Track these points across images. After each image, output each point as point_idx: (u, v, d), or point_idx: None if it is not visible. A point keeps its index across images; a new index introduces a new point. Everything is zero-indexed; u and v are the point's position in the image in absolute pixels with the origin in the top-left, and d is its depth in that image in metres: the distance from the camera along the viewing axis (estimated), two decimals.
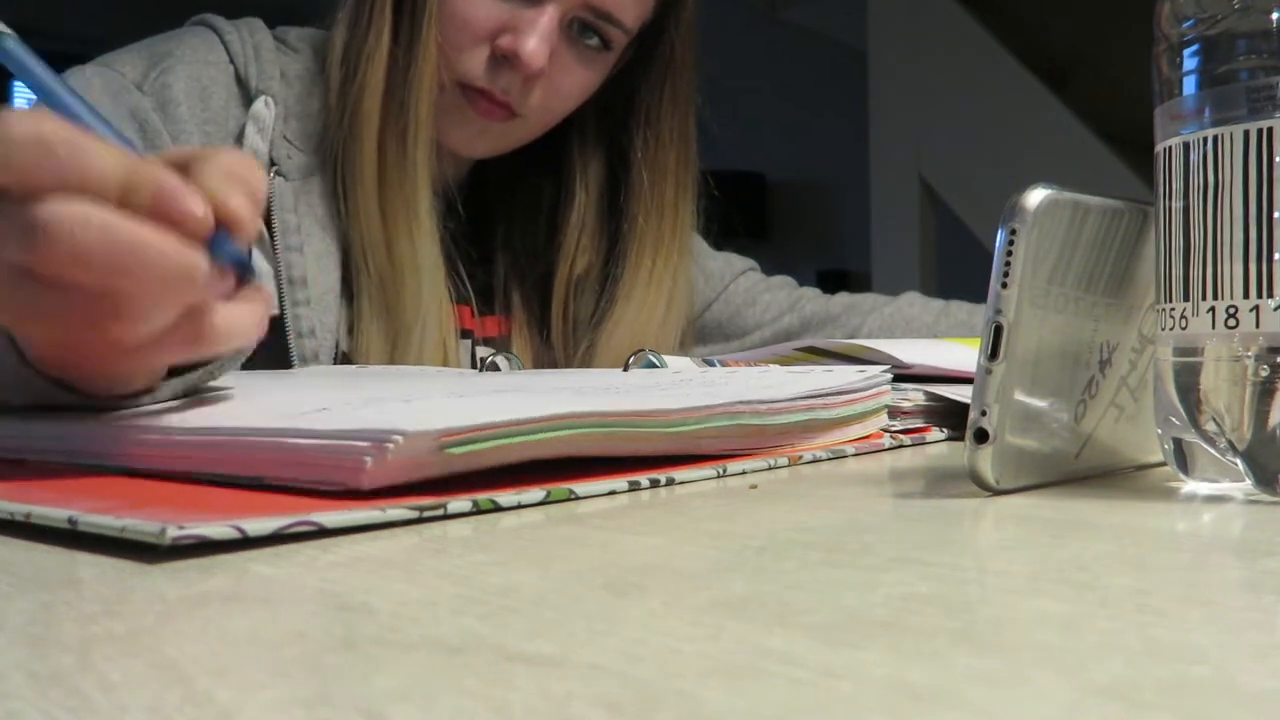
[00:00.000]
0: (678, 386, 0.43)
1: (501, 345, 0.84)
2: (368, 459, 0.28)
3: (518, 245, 0.87)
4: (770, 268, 1.06)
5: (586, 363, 0.83)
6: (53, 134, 0.31)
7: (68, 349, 0.36)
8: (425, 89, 0.72)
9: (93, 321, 0.32)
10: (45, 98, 0.40)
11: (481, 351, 0.82)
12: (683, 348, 0.96)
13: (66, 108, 0.38)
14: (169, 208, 0.31)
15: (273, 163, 0.74)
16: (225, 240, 0.33)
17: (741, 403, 0.38)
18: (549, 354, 0.85)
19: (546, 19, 0.72)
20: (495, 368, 0.65)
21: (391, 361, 0.73)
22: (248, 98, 0.75)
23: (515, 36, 0.71)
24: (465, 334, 0.82)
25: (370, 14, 0.72)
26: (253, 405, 0.39)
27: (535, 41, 0.71)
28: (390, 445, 0.28)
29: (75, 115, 0.37)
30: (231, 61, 0.76)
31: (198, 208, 0.32)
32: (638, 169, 0.83)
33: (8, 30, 0.42)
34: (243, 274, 0.34)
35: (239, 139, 0.74)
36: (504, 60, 0.73)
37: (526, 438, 0.31)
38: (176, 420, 0.33)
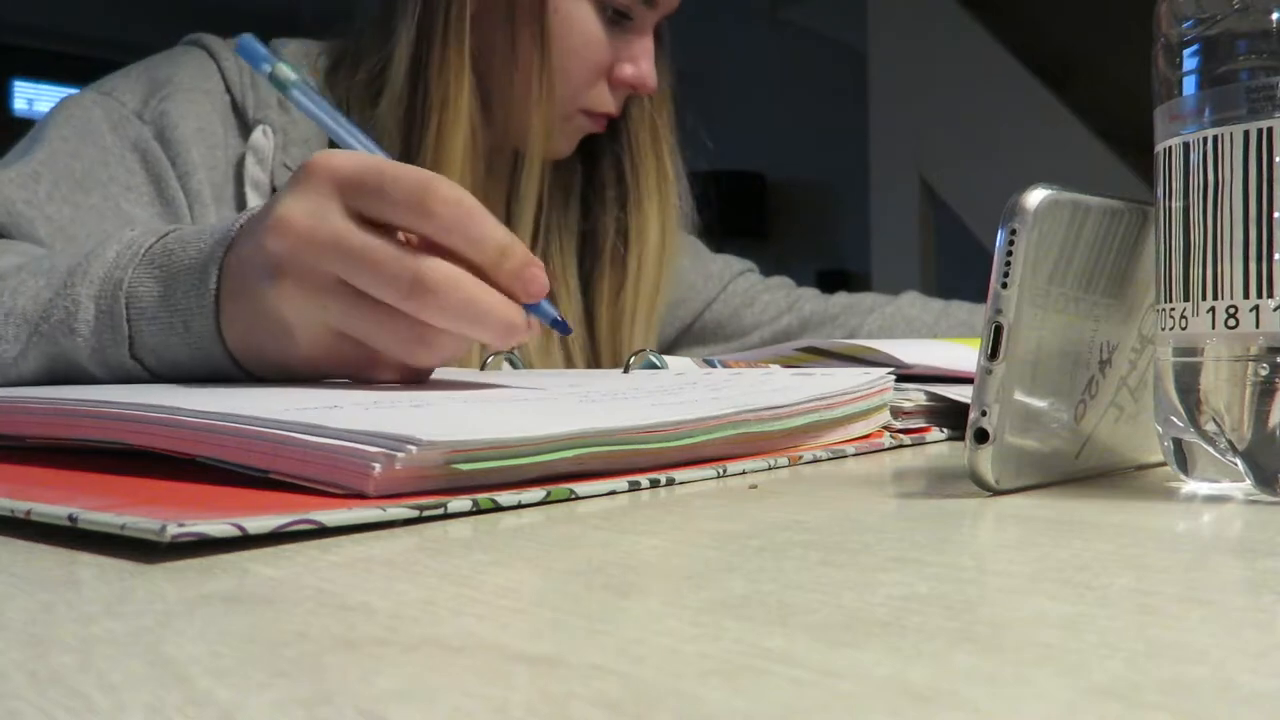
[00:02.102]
0: (682, 390, 0.43)
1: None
2: (376, 465, 0.28)
3: (554, 221, 0.88)
4: (770, 268, 1.06)
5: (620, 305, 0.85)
6: (472, 204, 0.41)
7: (341, 361, 0.44)
8: (533, 134, 0.76)
9: (407, 348, 0.42)
10: (332, 136, 0.52)
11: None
12: (682, 348, 0.96)
13: (346, 146, 0.51)
14: (529, 280, 0.42)
15: (274, 190, 0.74)
16: (546, 303, 0.44)
17: (748, 411, 0.38)
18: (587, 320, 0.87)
19: (650, 41, 0.79)
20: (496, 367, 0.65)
21: None
22: (245, 127, 0.75)
23: (635, 66, 0.78)
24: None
25: (446, 52, 0.73)
26: (263, 394, 0.39)
27: (649, 66, 0.79)
28: (400, 455, 0.28)
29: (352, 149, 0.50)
30: (228, 90, 0.75)
31: (545, 282, 0.43)
32: (636, 104, 0.86)
33: (294, 77, 0.50)
34: (562, 331, 0.45)
35: (238, 168, 0.74)
36: (620, 84, 0.79)
37: (535, 458, 0.31)
38: (184, 401, 0.33)
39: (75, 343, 0.48)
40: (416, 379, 0.46)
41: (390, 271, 0.40)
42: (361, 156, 0.43)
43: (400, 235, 0.42)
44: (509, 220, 0.78)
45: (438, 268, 0.40)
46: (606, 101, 0.79)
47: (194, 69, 0.76)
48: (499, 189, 0.79)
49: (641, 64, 0.79)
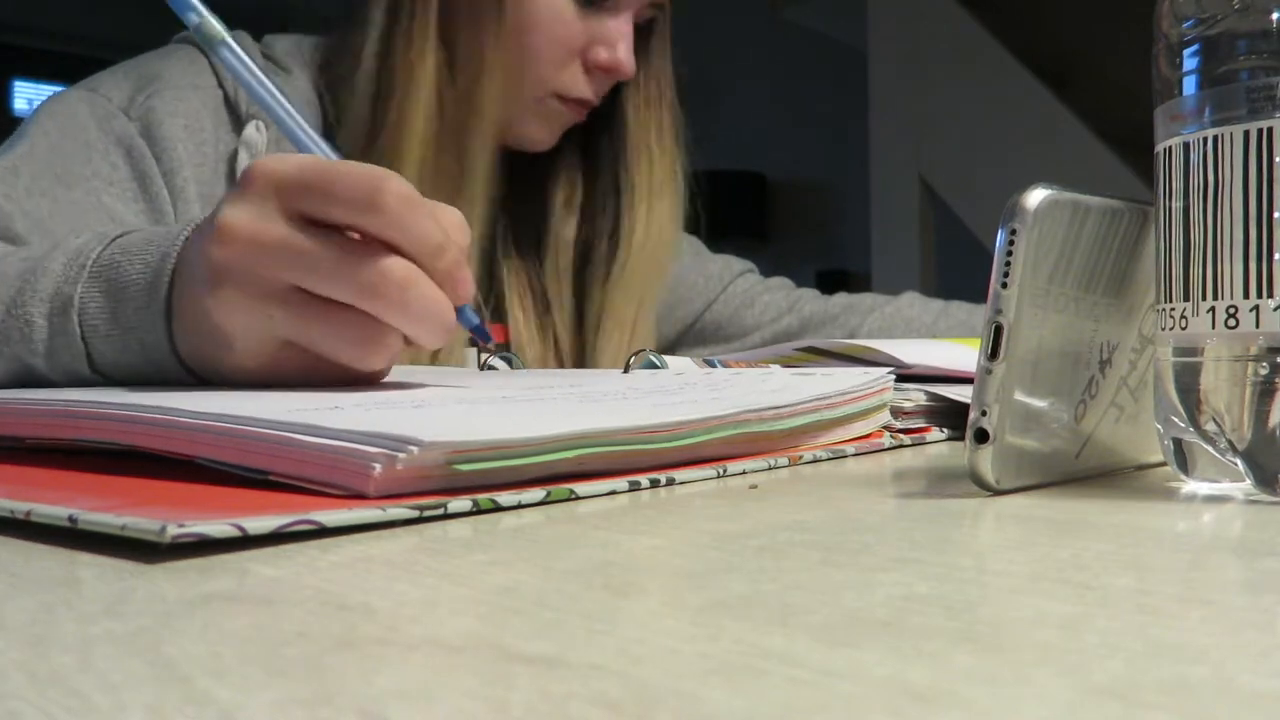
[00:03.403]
0: (682, 390, 0.43)
1: (502, 349, 0.85)
2: (376, 466, 0.28)
3: (523, 213, 0.87)
4: (770, 268, 1.06)
5: (597, 310, 0.84)
6: (419, 200, 0.41)
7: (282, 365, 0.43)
8: (490, 106, 0.73)
9: (358, 350, 0.41)
10: (264, 108, 0.51)
11: (486, 358, 0.83)
12: (682, 349, 0.96)
13: (282, 122, 0.50)
14: (459, 282, 0.42)
15: None
16: (469, 309, 0.44)
17: (749, 411, 0.38)
18: (549, 320, 0.86)
19: (628, 25, 0.77)
20: (492, 368, 0.65)
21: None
22: (238, 122, 0.74)
23: (610, 50, 0.76)
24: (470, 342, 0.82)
25: (412, 25, 0.72)
26: (263, 395, 0.39)
27: (626, 51, 0.76)
28: (401, 455, 0.28)
29: (291, 131, 0.50)
30: (220, 86, 0.75)
31: (472, 286, 0.43)
32: (634, 104, 0.84)
33: (224, 35, 0.49)
34: (484, 339, 0.45)
35: (230, 164, 0.74)
36: (595, 69, 0.77)
37: (535, 458, 0.31)
38: (183, 403, 0.33)
39: (36, 362, 0.48)
40: (361, 382, 0.44)
41: (349, 270, 0.40)
42: (302, 158, 0.42)
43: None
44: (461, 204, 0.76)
45: (396, 265, 0.40)
46: (580, 86, 0.77)
47: (183, 66, 0.75)
48: (458, 171, 0.76)
49: (618, 48, 0.76)
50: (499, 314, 0.85)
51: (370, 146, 0.73)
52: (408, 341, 0.43)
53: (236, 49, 0.50)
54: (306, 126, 0.50)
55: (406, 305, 0.40)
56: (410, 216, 0.40)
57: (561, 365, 0.85)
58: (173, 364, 0.45)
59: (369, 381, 0.44)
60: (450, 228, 0.42)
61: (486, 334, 0.45)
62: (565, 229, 0.85)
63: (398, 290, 0.40)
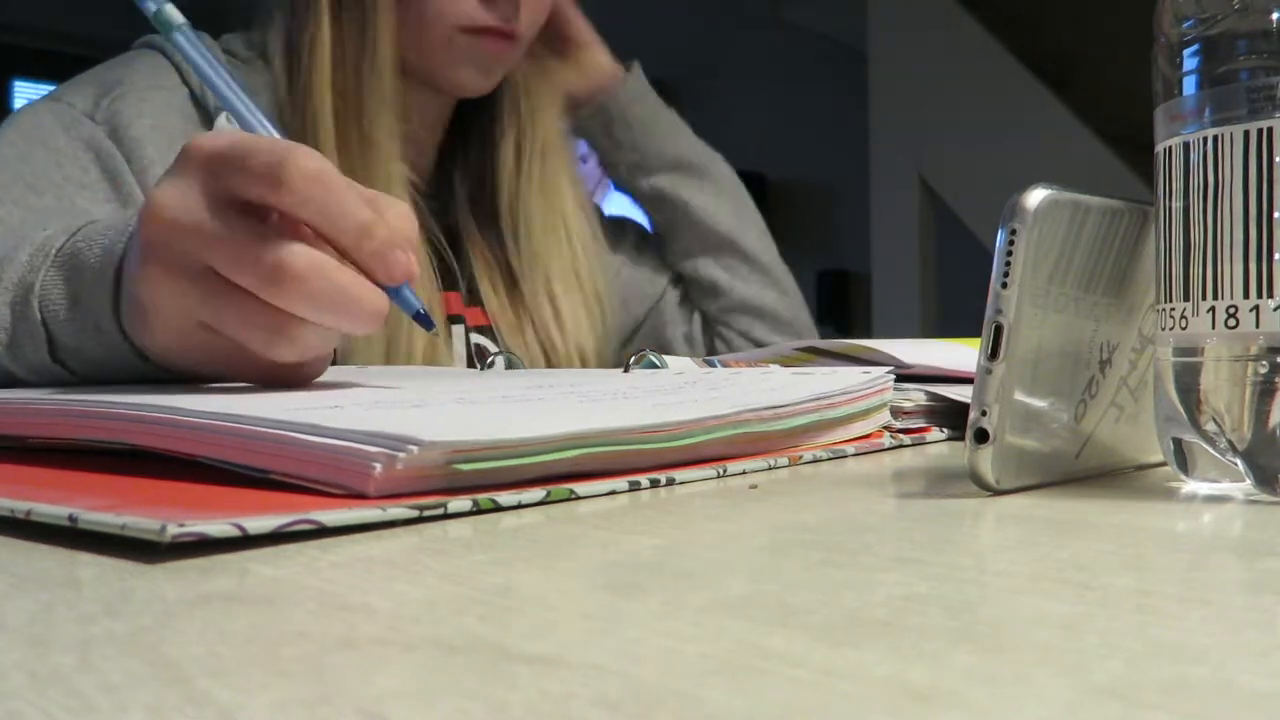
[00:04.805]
0: (682, 390, 0.43)
1: (487, 333, 0.85)
2: (376, 465, 0.28)
3: (475, 190, 0.87)
4: None
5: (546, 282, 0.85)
6: (333, 177, 0.38)
7: (212, 357, 0.42)
8: (386, 67, 0.73)
9: (266, 340, 0.39)
10: (213, 91, 0.50)
11: (475, 338, 0.83)
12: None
13: (229, 103, 0.49)
14: (392, 264, 0.39)
15: None
16: (409, 291, 0.41)
17: (748, 411, 0.38)
18: (517, 293, 0.86)
19: None
20: (493, 365, 0.65)
21: (385, 354, 0.73)
22: (207, 117, 0.74)
23: None
24: (455, 319, 0.82)
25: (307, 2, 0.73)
26: (264, 395, 0.39)
27: None
28: (401, 455, 0.28)
29: (238, 111, 0.48)
30: (185, 83, 0.75)
31: (414, 267, 0.40)
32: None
33: (181, 21, 0.49)
34: (425, 326, 0.41)
35: None
36: None
37: (535, 458, 0.31)
38: (185, 402, 0.33)
39: None
40: (285, 380, 0.43)
41: (251, 255, 0.38)
42: (235, 134, 0.40)
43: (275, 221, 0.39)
44: (371, 152, 0.74)
45: (300, 253, 0.38)
46: (477, 13, 0.75)
47: (146, 69, 0.75)
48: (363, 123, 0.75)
49: None
50: (473, 296, 0.85)
51: (293, 123, 0.73)
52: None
53: (190, 35, 0.50)
54: (250, 103, 0.49)
55: (311, 295, 0.38)
56: (322, 194, 0.38)
57: (537, 336, 0.85)
58: (126, 348, 0.45)
59: (295, 379, 0.43)
60: (393, 217, 0.40)
61: (429, 321, 0.42)
62: (504, 174, 0.85)
63: (297, 280, 0.37)
